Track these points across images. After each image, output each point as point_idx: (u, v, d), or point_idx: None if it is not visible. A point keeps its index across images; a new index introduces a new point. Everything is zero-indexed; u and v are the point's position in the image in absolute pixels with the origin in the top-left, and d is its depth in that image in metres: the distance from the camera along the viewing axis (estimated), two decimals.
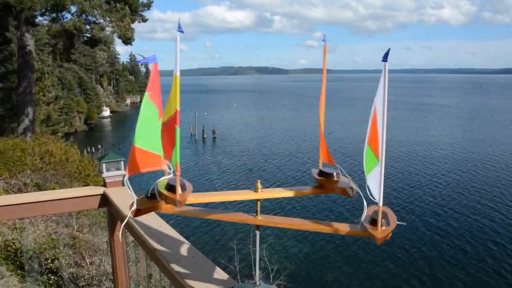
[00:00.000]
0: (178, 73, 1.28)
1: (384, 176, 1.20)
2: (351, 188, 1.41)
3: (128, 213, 1.44)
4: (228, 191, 1.58)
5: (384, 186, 1.21)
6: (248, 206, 16.92)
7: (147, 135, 1.47)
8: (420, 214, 22.29)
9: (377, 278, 15.92)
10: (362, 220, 1.31)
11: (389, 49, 1.14)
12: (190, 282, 1.63)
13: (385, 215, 1.29)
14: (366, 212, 1.32)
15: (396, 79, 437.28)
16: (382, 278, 15.94)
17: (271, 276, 10.10)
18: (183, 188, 1.38)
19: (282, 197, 1.50)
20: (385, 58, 1.16)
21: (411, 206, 23.58)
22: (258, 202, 1.44)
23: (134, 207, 1.46)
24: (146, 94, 1.46)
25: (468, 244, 18.68)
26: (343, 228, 1.34)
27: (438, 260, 17.30)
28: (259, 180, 1.45)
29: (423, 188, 27.20)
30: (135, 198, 1.50)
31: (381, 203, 1.25)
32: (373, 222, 1.28)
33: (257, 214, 1.43)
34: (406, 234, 19.55)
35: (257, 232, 1.44)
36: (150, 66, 1.41)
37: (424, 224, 21.01)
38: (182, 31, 1.26)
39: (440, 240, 19.15)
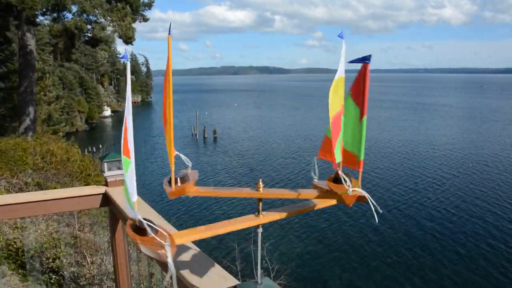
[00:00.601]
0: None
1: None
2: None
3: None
4: (231, 187, 1.59)
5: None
6: (250, 207, 16.92)
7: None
8: (419, 214, 22.28)
9: (377, 275, 15.92)
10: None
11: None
12: (191, 281, 1.63)
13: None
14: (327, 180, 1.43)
15: (397, 78, 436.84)
16: (382, 275, 15.94)
17: (271, 275, 10.10)
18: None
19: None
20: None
21: (409, 205, 23.57)
22: (260, 202, 1.44)
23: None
24: (349, 93, 1.45)
25: (471, 243, 18.68)
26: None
27: (439, 259, 17.30)
28: (260, 179, 1.46)
29: (422, 187, 27.19)
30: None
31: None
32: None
33: (259, 213, 1.43)
34: (407, 233, 19.56)
35: (259, 231, 1.44)
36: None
37: (423, 223, 21.00)
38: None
39: (440, 239, 19.15)
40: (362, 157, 1.40)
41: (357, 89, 1.40)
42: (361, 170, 1.40)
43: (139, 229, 1.26)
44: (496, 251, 17.98)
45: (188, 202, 24.46)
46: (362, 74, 1.38)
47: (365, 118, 1.39)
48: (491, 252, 17.93)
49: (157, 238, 1.19)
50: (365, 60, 1.36)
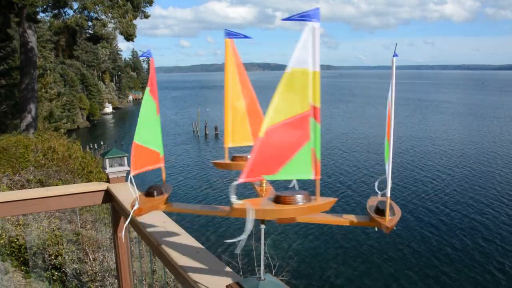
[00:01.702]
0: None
1: (381, 171, 1.21)
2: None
3: (131, 212, 1.42)
4: (206, 206, 1.58)
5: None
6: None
7: (146, 131, 1.46)
8: (420, 210, 22.27)
9: (377, 271, 15.93)
10: (368, 210, 1.31)
11: (396, 44, 1.09)
12: (194, 277, 1.63)
13: (390, 206, 1.29)
14: (369, 202, 1.32)
15: (398, 75, 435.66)
16: (382, 271, 15.95)
17: (273, 271, 10.12)
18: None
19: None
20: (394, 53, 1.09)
21: (410, 201, 23.55)
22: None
23: (136, 206, 1.41)
24: (147, 89, 1.45)
25: (468, 239, 18.67)
26: (351, 219, 1.33)
27: (439, 255, 17.31)
28: (264, 181, 1.46)
29: (422, 183, 27.15)
30: (136, 194, 1.47)
31: (388, 194, 1.27)
32: (379, 211, 1.28)
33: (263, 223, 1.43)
34: (406, 229, 19.57)
35: (262, 227, 1.44)
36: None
37: (424, 219, 20.99)
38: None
39: (438, 235, 19.15)
40: (162, 153, 1.49)
41: (153, 84, 1.46)
42: (163, 164, 1.48)
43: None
44: (496, 246, 17.98)
45: (190, 199, 24.52)
46: (151, 68, 1.46)
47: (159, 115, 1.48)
48: (489, 247, 17.93)
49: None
50: (149, 55, 1.41)
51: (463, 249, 17.88)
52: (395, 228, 1.28)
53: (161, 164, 1.51)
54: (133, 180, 1.44)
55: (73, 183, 10.36)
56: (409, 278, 15.58)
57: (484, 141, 42.38)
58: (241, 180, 1.12)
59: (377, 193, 1.33)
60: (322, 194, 1.25)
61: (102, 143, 40.79)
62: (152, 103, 1.46)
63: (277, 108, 1.10)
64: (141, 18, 23.00)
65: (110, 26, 21.54)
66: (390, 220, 1.25)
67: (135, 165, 1.42)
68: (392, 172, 1.26)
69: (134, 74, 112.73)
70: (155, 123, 1.47)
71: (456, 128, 52.71)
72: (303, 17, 1.05)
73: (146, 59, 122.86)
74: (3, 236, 5.74)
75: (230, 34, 1.44)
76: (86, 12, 20.90)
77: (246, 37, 1.44)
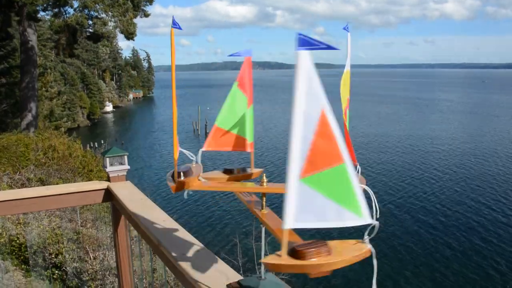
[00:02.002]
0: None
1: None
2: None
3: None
4: (234, 182, 1.63)
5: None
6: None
7: (231, 118, 1.62)
8: (419, 209, 22.27)
9: (378, 271, 15.93)
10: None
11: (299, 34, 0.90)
12: (194, 276, 1.63)
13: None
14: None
15: (399, 74, 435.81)
16: (382, 269, 15.96)
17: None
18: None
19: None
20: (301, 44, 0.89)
21: (409, 201, 23.55)
22: (264, 197, 1.44)
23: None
24: (235, 83, 1.58)
25: (467, 238, 18.68)
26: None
27: (439, 254, 17.31)
28: (264, 174, 1.46)
29: (420, 181, 27.16)
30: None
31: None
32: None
33: (262, 208, 1.43)
34: (405, 227, 19.57)
35: (263, 226, 1.44)
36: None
37: (423, 218, 21.00)
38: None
39: (441, 234, 19.15)
40: (251, 140, 1.62)
41: (243, 80, 1.56)
42: (252, 151, 1.62)
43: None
44: (496, 246, 17.98)
45: (190, 198, 24.48)
46: (246, 66, 1.55)
47: (252, 105, 1.60)
48: (489, 247, 17.93)
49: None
50: (247, 53, 1.51)
51: (463, 248, 17.88)
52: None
53: (248, 149, 1.65)
54: (199, 155, 1.67)
55: (74, 182, 10.37)
56: (408, 278, 15.59)
57: (483, 140, 42.38)
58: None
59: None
60: None
61: (102, 142, 40.79)
62: (241, 96, 1.59)
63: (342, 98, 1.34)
64: (141, 17, 22.99)
65: (111, 24, 21.54)
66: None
67: (209, 144, 1.64)
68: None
69: (134, 72, 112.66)
70: (244, 113, 1.61)
71: (455, 127, 52.72)
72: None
73: (147, 57, 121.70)
74: (4, 235, 5.74)
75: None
76: (86, 10, 20.89)
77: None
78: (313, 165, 0.95)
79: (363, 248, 1.10)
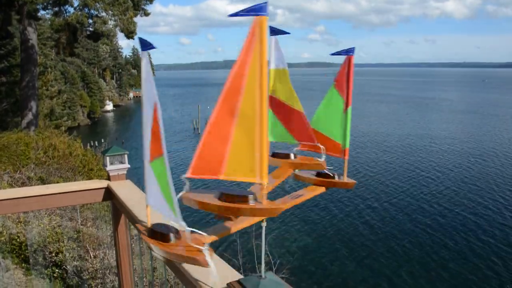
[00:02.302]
0: None
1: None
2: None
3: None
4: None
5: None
6: None
7: (327, 121, 1.56)
8: (418, 208, 22.26)
9: (378, 268, 15.95)
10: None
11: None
12: (194, 275, 1.64)
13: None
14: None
15: (399, 73, 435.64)
16: (383, 268, 15.97)
17: (273, 269, 10.12)
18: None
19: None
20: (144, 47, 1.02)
21: (408, 200, 23.56)
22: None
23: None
24: (333, 84, 1.52)
25: (465, 238, 18.68)
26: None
27: (438, 254, 17.33)
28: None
29: (419, 181, 27.12)
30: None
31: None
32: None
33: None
34: (406, 226, 19.58)
35: (263, 225, 1.44)
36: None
37: (422, 217, 21.00)
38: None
39: (437, 234, 19.15)
40: (347, 145, 1.51)
41: (341, 81, 1.45)
42: (347, 157, 1.52)
43: (156, 234, 1.26)
44: (494, 246, 17.99)
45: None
46: (346, 66, 1.43)
47: (350, 108, 1.47)
48: (489, 246, 17.93)
49: (192, 244, 1.20)
50: (349, 52, 1.39)
51: (460, 248, 17.88)
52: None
53: (341, 155, 1.58)
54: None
55: (74, 181, 10.37)
56: (404, 277, 15.60)
57: (483, 139, 42.34)
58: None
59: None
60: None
61: (102, 141, 40.81)
62: (337, 98, 1.52)
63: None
64: (142, 16, 22.99)
65: (111, 23, 21.55)
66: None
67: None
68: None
69: (134, 71, 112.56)
70: (340, 115, 1.53)
71: (455, 126, 52.68)
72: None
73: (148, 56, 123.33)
74: (4, 234, 5.75)
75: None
76: (86, 9, 20.89)
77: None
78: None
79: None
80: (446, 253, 17.41)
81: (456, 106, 78.02)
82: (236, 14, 1.02)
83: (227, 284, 1.49)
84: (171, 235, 1.21)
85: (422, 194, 24.60)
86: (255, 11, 1.02)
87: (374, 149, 37.35)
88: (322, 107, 1.55)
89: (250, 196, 1.18)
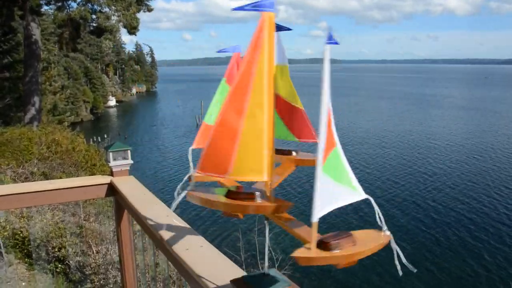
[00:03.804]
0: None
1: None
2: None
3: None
4: None
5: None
6: None
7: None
8: (417, 208, 22.22)
9: (378, 267, 15.96)
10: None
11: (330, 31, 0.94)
12: (197, 271, 1.64)
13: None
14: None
15: (402, 69, 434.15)
16: (383, 267, 15.97)
17: (276, 265, 10.14)
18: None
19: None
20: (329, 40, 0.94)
21: (408, 199, 23.51)
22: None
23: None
24: (223, 79, 1.60)
25: (467, 237, 18.67)
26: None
27: (438, 254, 17.32)
28: None
29: (420, 178, 27.08)
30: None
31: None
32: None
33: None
34: (409, 228, 19.57)
35: (266, 222, 1.43)
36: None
37: (422, 216, 20.98)
38: None
39: (435, 232, 19.14)
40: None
41: (231, 76, 1.57)
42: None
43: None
44: (493, 246, 17.96)
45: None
46: (234, 62, 1.58)
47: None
48: (489, 246, 17.92)
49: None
50: (235, 49, 1.51)
51: (462, 248, 17.87)
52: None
53: None
54: (190, 154, 1.55)
55: (77, 176, 10.39)
56: (410, 274, 15.58)
57: (484, 136, 42.25)
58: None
59: None
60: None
61: (105, 136, 40.89)
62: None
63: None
64: (144, 11, 22.97)
65: (114, 19, 21.53)
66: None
67: (197, 142, 1.62)
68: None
69: (137, 67, 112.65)
70: None
71: (457, 123, 52.56)
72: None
73: (150, 52, 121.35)
74: (7, 228, 5.77)
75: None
76: (89, 4, 20.89)
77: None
78: (324, 151, 1.00)
79: (382, 235, 1.16)
80: (445, 252, 17.43)
81: (458, 103, 77.82)
82: (241, 8, 0.97)
83: (231, 280, 1.49)
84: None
85: (422, 191, 24.60)
86: (262, 6, 0.97)
87: (374, 145, 37.33)
88: (215, 102, 1.61)
89: (257, 194, 1.18)
